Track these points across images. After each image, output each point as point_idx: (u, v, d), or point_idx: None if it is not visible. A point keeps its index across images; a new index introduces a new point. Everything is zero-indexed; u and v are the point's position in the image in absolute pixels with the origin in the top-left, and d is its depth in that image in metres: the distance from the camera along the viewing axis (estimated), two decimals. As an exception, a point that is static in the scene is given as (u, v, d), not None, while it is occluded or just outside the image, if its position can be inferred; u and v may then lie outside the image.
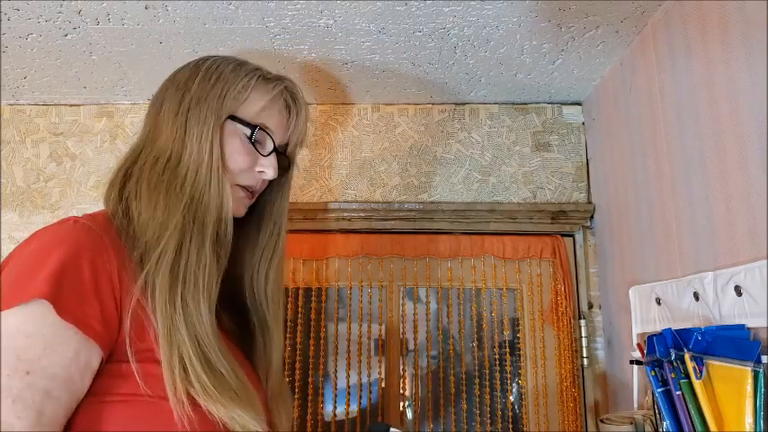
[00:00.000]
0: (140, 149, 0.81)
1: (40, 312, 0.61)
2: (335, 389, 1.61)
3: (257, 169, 0.85)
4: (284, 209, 0.95)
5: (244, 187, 0.85)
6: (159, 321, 0.68)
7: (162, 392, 0.66)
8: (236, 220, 0.87)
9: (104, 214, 0.75)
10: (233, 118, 0.82)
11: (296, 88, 0.92)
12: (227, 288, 0.86)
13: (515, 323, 1.65)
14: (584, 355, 1.58)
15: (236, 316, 0.90)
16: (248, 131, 0.82)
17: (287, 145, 0.92)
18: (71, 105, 1.74)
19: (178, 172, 0.77)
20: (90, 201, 1.68)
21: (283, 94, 0.89)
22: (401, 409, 1.60)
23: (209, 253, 0.75)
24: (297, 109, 0.91)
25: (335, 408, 1.61)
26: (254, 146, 0.83)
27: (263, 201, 0.94)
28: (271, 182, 0.91)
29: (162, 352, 0.67)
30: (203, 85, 0.82)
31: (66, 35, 1.35)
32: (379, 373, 1.59)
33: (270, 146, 0.85)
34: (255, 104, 0.84)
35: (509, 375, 1.60)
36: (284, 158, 0.92)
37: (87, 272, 0.65)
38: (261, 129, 0.83)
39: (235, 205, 0.84)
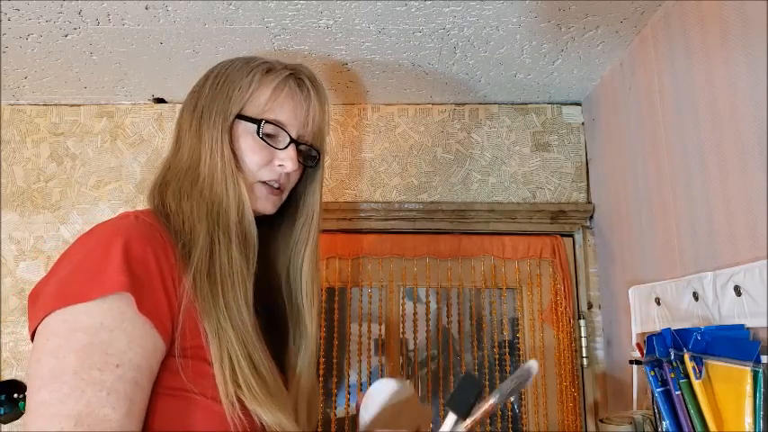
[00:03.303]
0: (171, 158, 0.84)
1: (120, 306, 0.63)
2: (336, 388, 1.61)
3: (276, 163, 0.84)
4: (316, 201, 0.94)
5: (267, 183, 0.84)
6: (207, 324, 0.69)
7: (206, 391, 0.67)
8: (270, 217, 0.87)
9: (155, 212, 0.77)
10: (240, 116, 0.82)
11: (304, 73, 0.89)
12: (258, 285, 0.86)
13: (515, 323, 1.65)
14: (584, 355, 1.58)
15: (266, 313, 0.90)
16: (256, 127, 0.82)
17: (306, 133, 0.88)
18: (71, 105, 1.74)
19: (199, 179, 0.79)
20: (90, 201, 1.68)
21: (287, 81, 0.86)
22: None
23: (238, 255, 0.76)
24: (306, 94, 0.87)
25: (336, 407, 1.61)
26: (267, 140, 0.82)
27: (296, 194, 0.92)
28: (302, 174, 0.91)
29: (213, 354, 0.68)
30: (212, 90, 0.84)
31: (66, 35, 1.36)
32: (379, 373, 1.59)
33: (285, 138, 0.84)
34: (261, 98, 0.83)
35: (509, 375, 1.60)
36: (310, 149, 0.90)
37: (153, 266, 0.67)
38: (268, 122, 0.82)
39: (261, 203, 0.84)
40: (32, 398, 0.60)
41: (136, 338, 0.63)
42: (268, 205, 0.85)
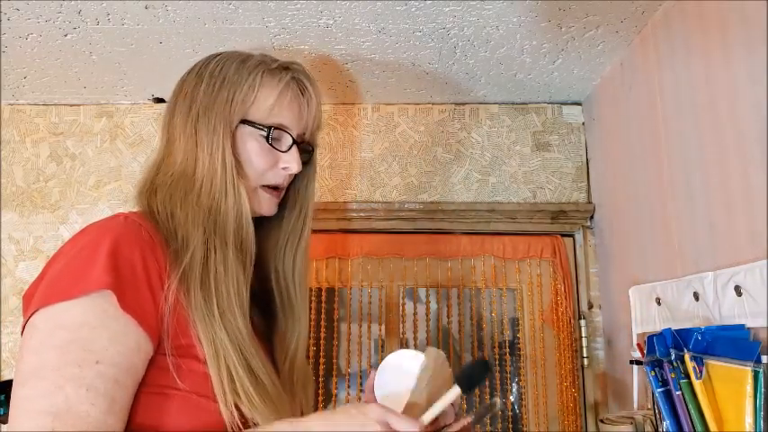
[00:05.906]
0: (160, 161, 0.82)
1: (102, 304, 0.63)
2: (335, 389, 1.61)
3: (281, 166, 0.83)
4: (310, 194, 0.93)
5: (270, 187, 0.83)
6: (202, 333, 0.69)
7: (199, 389, 0.67)
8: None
9: (144, 213, 0.76)
10: (245, 122, 0.81)
11: (304, 74, 0.88)
12: (253, 280, 0.86)
13: (515, 323, 1.65)
14: (585, 355, 1.58)
15: (258, 299, 0.89)
16: (264, 133, 0.80)
17: (305, 132, 0.88)
18: (71, 105, 1.73)
19: (194, 185, 0.77)
20: (90, 201, 1.68)
21: (290, 85, 0.85)
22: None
23: (234, 262, 0.76)
24: (308, 96, 0.87)
25: (336, 408, 1.61)
26: (272, 144, 0.82)
27: (290, 189, 0.92)
28: None
29: (210, 363, 0.68)
30: (208, 92, 0.81)
31: (66, 35, 1.35)
32: (379, 373, 1.59)
33: (288, 141, 0.83)
34: (265, 102, 0.81)
35: (509, 375, 1.60)
36: (306, 145, 0.89)
37: (140, 266, 0.67)
38: (276, 128, 0.81)
39: (264, 207, 0.83)
40: (15, 394, 0.60)
41: (118, 336, 0.63)
42: (271, 207, 0.85)
